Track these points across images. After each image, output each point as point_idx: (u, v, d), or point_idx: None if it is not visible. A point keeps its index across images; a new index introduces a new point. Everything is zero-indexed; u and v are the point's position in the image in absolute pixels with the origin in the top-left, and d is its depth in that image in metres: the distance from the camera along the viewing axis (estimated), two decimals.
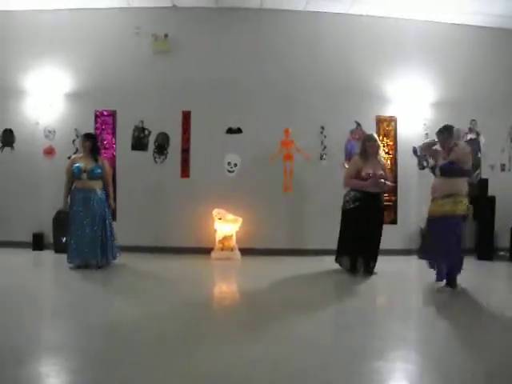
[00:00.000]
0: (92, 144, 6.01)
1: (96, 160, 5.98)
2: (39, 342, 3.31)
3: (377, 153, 5.89)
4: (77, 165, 5.88)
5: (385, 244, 6.03)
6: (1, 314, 3.85)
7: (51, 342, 3.31)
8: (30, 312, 4.02)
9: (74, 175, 5.89)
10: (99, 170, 5.94)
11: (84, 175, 5.84)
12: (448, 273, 4.97)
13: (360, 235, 5.69)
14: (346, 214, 5.90)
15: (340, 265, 6.04)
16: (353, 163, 6.03)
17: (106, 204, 6.00)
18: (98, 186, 5.94)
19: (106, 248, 5.86)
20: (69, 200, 5.92)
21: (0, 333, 3.40)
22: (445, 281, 5.01)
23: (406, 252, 7.37)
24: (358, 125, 7.58)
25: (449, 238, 4.86)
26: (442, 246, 4.90)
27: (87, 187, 5.86)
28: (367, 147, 5.86)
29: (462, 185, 4.94)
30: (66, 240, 6.08)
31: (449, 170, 4.94)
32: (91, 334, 3.43)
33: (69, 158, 6.66)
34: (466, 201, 4.93)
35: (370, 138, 5.95)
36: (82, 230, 5.75)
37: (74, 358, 2.98)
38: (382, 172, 5.80)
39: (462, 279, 5.01)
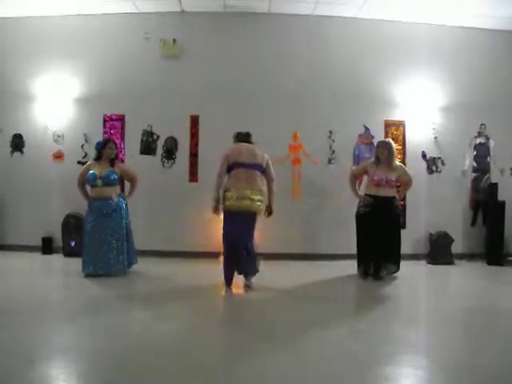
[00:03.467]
0: (116, 152, 5.98)
1: (112, 166, 5.83)
2: (50, 345, 3.31)
3: (388, 160, 5.85)
4: (91, 171, 5.71)
5: None
6: (13, 317, 3.86)
7: (62, 344, 3.32)
8: (41, 315, 4.02)
9: (88, 182, 5.74)
10: (115, 176, 5.77)
11: (99, 181, 5.67)
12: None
13: (372, 240, 5.71)
14: (360, 220, 5.91)
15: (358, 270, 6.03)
16: (364, 163, 6.41)
17: (125, 210, 5.84)
18: (114, 192, 5.76)
19: (123, 256, 5.70)
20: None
21: (12, 335, 3.41)
22: None
23: (415, 257, 7.32)
24: (367, 129, 7.56)
25: None
26: None
27: (103, 196, 5.69)
28: (378, 154, 5.92)
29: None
30: (81, 251, 5.80)
31: None
32: (102, 337, 3.43)
33: (81, 163, 6.77)
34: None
35: (379, 144, 6.00)
36: (97, 241, 5.59)
37: (84, 360, 2.99)
38: (393, 178, 5.81)
39: (467, 284, 4.94)
